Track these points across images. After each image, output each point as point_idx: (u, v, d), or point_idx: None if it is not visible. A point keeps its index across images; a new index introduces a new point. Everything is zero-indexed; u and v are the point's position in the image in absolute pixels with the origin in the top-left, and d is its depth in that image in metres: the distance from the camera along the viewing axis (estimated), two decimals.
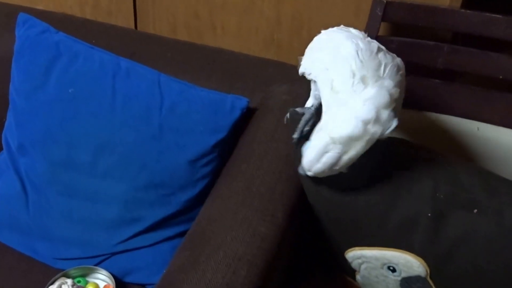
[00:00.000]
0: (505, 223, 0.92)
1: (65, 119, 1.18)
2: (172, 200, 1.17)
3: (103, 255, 1.17)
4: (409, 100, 1.24)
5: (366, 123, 0.81)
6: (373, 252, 1.00)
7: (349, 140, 0.82)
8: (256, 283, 0.84)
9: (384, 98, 0.83)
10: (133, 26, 1.55)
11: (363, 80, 0.85)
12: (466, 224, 0.92)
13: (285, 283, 1.05)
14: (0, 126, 1.31)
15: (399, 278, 1.02)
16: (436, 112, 1.23)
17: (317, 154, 0.85)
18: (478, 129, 1.18)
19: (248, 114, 1.19)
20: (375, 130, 0.82)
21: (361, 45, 0.88)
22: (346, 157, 0.84)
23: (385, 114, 0.83)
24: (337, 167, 0.86)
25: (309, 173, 0.89)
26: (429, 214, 0.92)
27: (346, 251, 1.04)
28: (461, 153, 1.04)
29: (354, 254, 1.03)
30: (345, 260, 1.06)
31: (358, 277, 1.10)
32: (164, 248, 1.17)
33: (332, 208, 0.96)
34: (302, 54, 1.38)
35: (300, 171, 0.91)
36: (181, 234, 1.15)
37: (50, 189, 1.19)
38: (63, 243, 1.18)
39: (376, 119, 0.82)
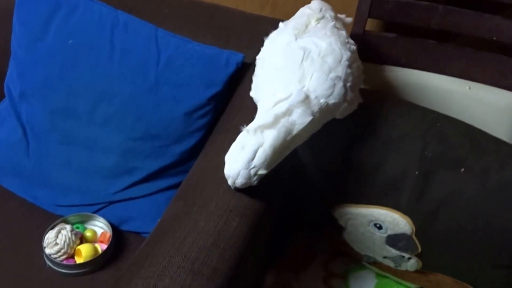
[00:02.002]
0: (490, 183, 0.87)
1: (64, 69, 1.13)
2: (168, 152, 1.12)
3: (100, 203, 1.13)
4: (403, 59, 1.16)
5: (277, 115, 0.79)
6: (360, 209, 0.94)
7: (261, 129, 0.78)
8: (246, 233, 0.80)
9: (298, 97, 0.80)
10: None
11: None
12: (453, 183, 0.86)
13: (273, 237, 0.99)
14: (3, 75, 1.25)
15: (385, 235, 0.97)
16: (429, 71, 1.15)
17: (236, 152, 0.79)
18: (469, 88, 1.10)
19: (243, 69, 1.12)
20: (286, 122, 0.79)
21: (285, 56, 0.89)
22: (261, 152, 0.77)
23: (298, 111, 0.80)
24: (253, 166, 0.77)
25: (231, 181, 0.80)
26: (417, 173, 0.86)
27: (333, 208, 0.98)
28: (452, 112, 0.96)
29: (341, 211, 0.97)
30: (332, 217, 0.99)
31: (344, 233, 1.04)
32: (159, 198, 1.13)
33: (322, 161, 0.88)
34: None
35: (230, 182, 0.81)
36: (176, 186, 1.11)
37: (50, 137, 1.15)
38: (62, 190, 1.14)
39: (288, 114, 0.80)
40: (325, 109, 0.82)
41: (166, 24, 1.17)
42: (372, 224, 0.96)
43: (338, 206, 0.97)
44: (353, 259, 1.15)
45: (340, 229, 1.03)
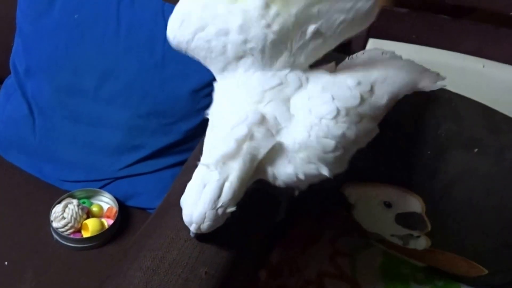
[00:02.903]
0: (505, 163, 0.84)
1: (70, 44, 1.11)
2: (174, 129, 1.11)
3: (106, 179, 1.13)
4: (415, 36, 1.13)
5: (238, 140, 0.67)
6: (371, 188, 0.91)
7: (224, 160, 0.67)
8: (256, 205, 0.77)
9: (255, 117, 0.68)
10: None
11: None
12: (466, 163, 0.84)
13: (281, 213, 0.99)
14: (9, 50, 1.23)
15: (394, 214, 0.95)
16: (442, 48, 1.12)
17: (196, 192, 0.67)
18: (483, 66, 1.07)
19: None
20: (250, 148, 0.67)
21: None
22: (228, 187, 0.66)
23: (259, 134, 0.68)
24: (220, 205, 0.66)
25: (195, 227, 0.67)
26: (429, 152, 0.83)
27: (343, 187, 0.96)
28: (465, 91, 0.93)
29: (351, 190, 0.96)
30: (342, 195, 0.98)
31: (353, 211, 1.03)
32: (165, 175, 1.12)
33: None
34: None
35: (193, 229, 0.69)
36: (181, 163, 1.10)
37: (56, 113, 1.13)
38: (69, 166, 1.14)
39: (250, 137, 0.68)
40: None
41: None
42: (382, 202, 0.95)
43: (348, 184, 0.95)
44: (360, 237, 1.15)
45: (349, 207, 1.02)
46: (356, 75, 0.74)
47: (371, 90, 0.74)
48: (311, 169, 0.70)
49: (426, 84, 0.83)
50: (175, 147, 1.12)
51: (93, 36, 1.10)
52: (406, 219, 0.95)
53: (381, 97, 0.75)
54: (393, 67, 0.80)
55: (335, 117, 0.69)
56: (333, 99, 0.70)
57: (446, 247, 0.99)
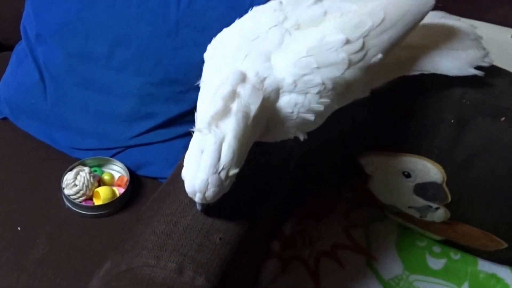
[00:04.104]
0: None
1: (81, 9, 1.09)
2: (186, 98, 1.09)
3: (118, 147, 1.12)
4: (440, 4, 1.09)
5: (225, 99, 0.64)
6: (390, 157, 0.89)
7: (215, 122, 0.64)
8: (270, 172, 0.79)
9: (235, 76, 0.67)
10: None
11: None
12: (491, 131, 0.81)
13: (294, 183, 0.97)
14: (19, 16, 1.21)
15: (413, 184, 0.93)
16: (468, 17, 1.06)
17: (195, 160, 0.65)
18: (511, 37, 1.02)
19: None
20: (240, 106, 0.65)
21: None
22: (226, 148, 0.63)
23: (246, 91, 0.65)
24: (222, 168, 0.63)
25: (199, 196, 0.65)
26: (452, 121, 0.81)
27: (361, 156, 0.94)
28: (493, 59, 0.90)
29: (369, 159, 0.94)
30: (359, 165, 0.96)
31: (370, 182, 1.01)
32: (177, 144, 1.11)
33: (351, 106, 0.84)
34: None
35: (198, 199, 0.66)
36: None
37: (67, 80, 1.12)
38: (80, 133, 1.13)
39: (237, 95, 0.65)
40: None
41: None
42: (400, 172, 0.93)
43: (366, 153, 0.93)
44: (375, 209, 1.14)
45: (365, 178, 1.00)
46: (347, 25, 0.69)
47: (362, 48, 0.69)
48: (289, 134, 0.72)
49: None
50: (187, 116, 1.10)
51: (105, 1, 1.07)
52: (425, 190, 0.93)
53: (375, 54, 0.70)
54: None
55: (319, 92, 0.67)
56: (318, 67, 0.67)
57: (465, 220, 0.97)
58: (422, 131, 0.87)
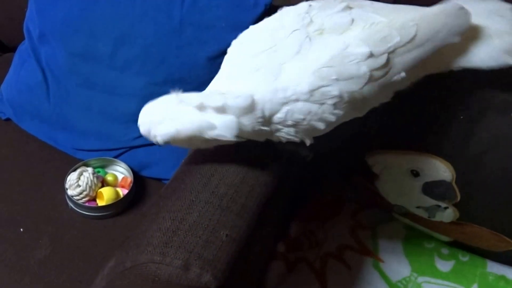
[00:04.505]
0: None
1: (85, 8, 1.09)
2: None
3: (121, 148, 1.12)
4: None
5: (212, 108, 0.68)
6: (398, 156, 0.88)
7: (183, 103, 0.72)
8: (276, 172, 0.77)
9: (242, 104, 0.68)
10: None
11: None
12: (501, 127, 0.80)
13: (300, 184, 0.97)
14: (22, 17, 1.21)
15: (422, 183, 0.93)
16: None
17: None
18: None
19: (272, 12, 1.03)
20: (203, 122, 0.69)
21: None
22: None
23: (249, 120, 0.67)
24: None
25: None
26: (462, 117, 0.80)
27: (368, 155, 0.94)
28: None
29: (377, 158, 0.93)
30: (366, 164, 0.95)
31: (377, 182, 1.00)
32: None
33: None
34: None
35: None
36: None
37: (70, 80, 1.12)
38: (83, 134, 1.13)
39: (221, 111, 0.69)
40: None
41: None
42: (408, 171, 0.92)
43: (372, 152, 0.93)
44: (382, 210, 1.13)
45: (373, 177, 0.99)
46: (373, 37, 0.66)
47: (386, 64, 0.66)
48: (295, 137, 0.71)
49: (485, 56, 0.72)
50: None
51: (108, 0, 1.07)
52: (434, 189, 0.92)
53: (398, 72, 0.67)
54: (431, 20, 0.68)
55: (335, 104, 0.66)
56: (337, 79, 0.65)
57: (475, 220, 0.96)
58: (431, 128, 0.86)
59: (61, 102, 1.12)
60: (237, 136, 0.67)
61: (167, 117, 0.70)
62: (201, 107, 0.67)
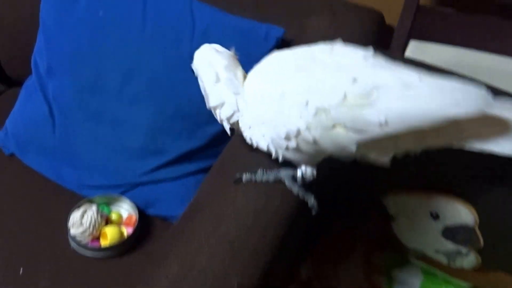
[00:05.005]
0: None
1: (93, 41, 1.10)
2: (198, 133, 1.08)
3: (127, 184, 1.10)
4: (462, 38, 1.08)
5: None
6: (415, 196, 0.86)
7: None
8: (289, 214, 0.75)
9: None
10: None
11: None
12: None
13: (311, 224, 0.94)
14: (30, 52, 1.22)
15: (442, 226, 0.89)
16: (492, 52, 1.06)
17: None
18: None
19: (284, 45, 1.05)
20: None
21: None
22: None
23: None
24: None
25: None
26: (487, 158, 0.77)
27: (384, 195, 0.91)
28: None
29: (393, 199, 0.90)
30: (381, 204, 0.92)
31: (393, 223, 0.97)
32: (188, 182, 1.09)
33: None
34: None
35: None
36: (206, 169, 1.06)
37: (77, 114, 1.11)
38: (88, 169, 1.11)
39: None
40: None
41: None
42: (428, 213, 0.89)
43: (390, 192, 0.90)
44: (397, 253, 1.09)
45: (388, 218, 0.96)
46: (361, 69, 0.67)
47: (369, 95, 0.64)
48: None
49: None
50: (199, 152, 1.09)
51: (117, 33, 1.09)
52: (455, 233, 0.88)
53: (377, 113, 0.63)
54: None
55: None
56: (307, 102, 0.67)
57: (499, 266, 0.92)
58: (452, 170, 0.83)
59: (67, 136, 1.12)
60: None
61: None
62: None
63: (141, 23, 1.08)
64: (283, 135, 0.70)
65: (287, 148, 0.72)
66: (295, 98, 0.69)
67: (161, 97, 1.06)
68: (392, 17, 1.13)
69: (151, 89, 1.06)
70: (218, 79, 0.79)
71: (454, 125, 0.64)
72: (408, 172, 0.86)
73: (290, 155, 0.74)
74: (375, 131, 0.64)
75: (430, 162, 0.83)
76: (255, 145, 0.77)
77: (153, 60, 1.06)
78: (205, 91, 0.82)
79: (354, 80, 0.65)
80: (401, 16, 1.09)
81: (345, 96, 0.65)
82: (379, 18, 1.13)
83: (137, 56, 1.07)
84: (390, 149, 0.69)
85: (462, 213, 0.84)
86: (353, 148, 0.67)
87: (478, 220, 0.84)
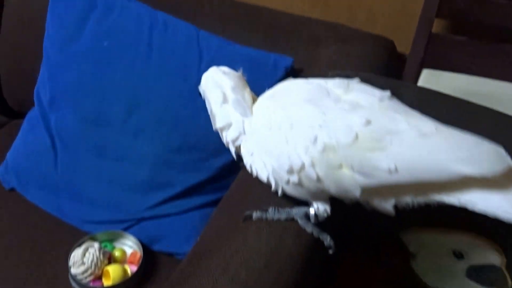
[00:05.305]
0: None
1: (97, 72, 1.09)
2: (205, 165, 1.06)
3: (131, 220, 1.07)
4: (475, 67, 1.06)
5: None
6: (438, 234, 0.82)
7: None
8: (303, 255, 0.72)
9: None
10: None
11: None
12: None
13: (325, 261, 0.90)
14: (32, 83, 1.21)
15: (466, 266, 0.85)
16: (507, 81, 1.04)
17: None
18: None
19: (292, 75, 1.04)
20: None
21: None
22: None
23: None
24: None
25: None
26: None
27: (403, 232, 0.87)
28: None
29: (414, 236, 0.86)
30: (400, 241, 0.89)
31: (413, 262, 0.93)
32: (194, 216, 1.06)
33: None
34: (354, 15, 1.20)
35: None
36: (213, 203, 1.05)
37: (80, 147, 1.10)
38: (91, 204, 1.09)
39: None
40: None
41: (207, 25, 1.12)
42: (451, 252, 0.85)
43: (410, 229, 0.86)
44: None
45: (408, 256, 0.92)
46: (376, 111, 0.65)
47: (382, 139, 0.62)
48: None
49: None
50: (206, 185, 1.07)
51: (122, 63, 1.08)
52: (480, 273, 0.84)
53: (388, 159, 0.61)
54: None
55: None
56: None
57: None
58: None
59: (69, 169, 1.10)
60: None
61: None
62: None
63: (147, 53, 1.07)
64: (286, 168, 0.67)
65: (288, 182, 0.69)
66: (304, 131, 0.66)
67: (167, 129, 1.05)
68: (403, 45, 1.12)
69: (156, 121, 1.05)
70: (225, 100, 0.78)
71: (463, 183, 0.60)
72: (430, 208, 0.83)
73: (291, 190, 0.71)
74: (383, 177, 0.62)
75: None
76: (254, 173, 0.74)
77: (159, 91, 1.05)
78: (212, 112, 0.80)
79: (368, 122, 0.63)
80: (413, 44, 1.07)
81: (356, 137, 0.63)
82: (390, 46, 1.12)
83: (143, 87, 1.06)
84: (390, 197, 0.66)
85: (488, 252, 0.80)
86: (357, 192, 0.64)
87: (505, 260, 0.80)
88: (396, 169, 0.60)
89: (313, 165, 0.65)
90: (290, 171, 0.67)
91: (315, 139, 0.65)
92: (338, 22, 1.14)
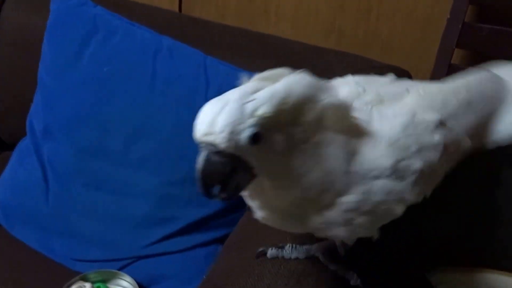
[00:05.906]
0: None
1: (97, 100, 1.06)
2: (210, 200, 0.99)
3: (127, 258, 1.03)
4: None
5: None
6: (469, 273, 0.77)
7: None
8: None
9: None
10: (177, 9, 1.40)
11: None
12: None
13: None
14: (24, 113, 1.18)
15: None
16: None
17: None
18: None
19: None
20: None
21: None
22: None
23: None
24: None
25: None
26: None
27: (430, 272, 0.82)
28: None
29: (442, 276, 0.82)
30: (427, 282, 0.84)
31: None
32: (198, 254, 1.02)
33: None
34: (369, 45, 1.19)
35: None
36: (218, 240, 1.02)
37: (75, 179, 1.06)
38: (84, 242, 1.04)
39: None
40: None
41: (215, 53, 1.10)
42: None
43: (437, 269, 0.82)
44: None
45: None
46: (434, 103, 0.66)
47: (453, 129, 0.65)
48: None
49: None
50: (211, 220, 1.03)
51: (124, 91, 1.05)
52: None
53: (462, 138, 0.67)
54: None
55: (416, 179, 0.61)
56: (418, 151, 0.61)
57: None
58: (502, 243, 0.76)
59: (61, 204, 1.06)
60: None
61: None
62: None
63: (151, 80, 1.05)
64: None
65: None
66: None
67: (171, 160, 1.01)
68: (420, 76, 1.10)
69: (159, 151, 1.02)
70: None
71: None
72: (456, 247, 0.79)
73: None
74: None
75: (480, 233, 0.76)
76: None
77: (162, 120, 1.02)
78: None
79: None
80: (432, 75, 1.05)
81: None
82: (407, 76, 1.10)
83: (145, 116, 1.03)
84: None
85: None
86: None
87: None
88: None
89: None
90: None
91: None
92: (352, 52, 1.13)
